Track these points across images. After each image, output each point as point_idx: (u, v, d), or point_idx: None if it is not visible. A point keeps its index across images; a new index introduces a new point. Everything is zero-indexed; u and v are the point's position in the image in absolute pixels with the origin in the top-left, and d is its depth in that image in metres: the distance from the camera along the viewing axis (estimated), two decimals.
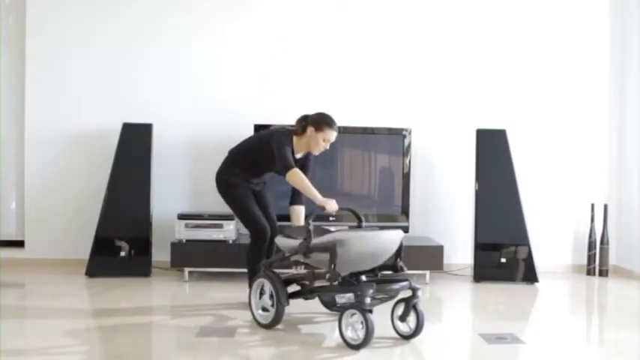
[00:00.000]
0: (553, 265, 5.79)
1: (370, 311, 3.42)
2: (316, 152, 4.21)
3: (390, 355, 3.42)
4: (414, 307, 3.58)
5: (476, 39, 5.80)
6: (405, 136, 5.44)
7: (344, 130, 5.40)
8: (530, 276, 5.29)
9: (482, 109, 5.76)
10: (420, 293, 3.59)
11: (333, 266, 3.48)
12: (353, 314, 3.43)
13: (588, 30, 5.87)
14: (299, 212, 4.30)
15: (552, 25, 5.84)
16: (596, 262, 5.66)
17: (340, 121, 5.46)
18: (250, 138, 4.46)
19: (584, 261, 5.75)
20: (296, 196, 4.29)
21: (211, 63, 5.68)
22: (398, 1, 5.77)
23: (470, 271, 5.50)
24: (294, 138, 4.18)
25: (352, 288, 3.54)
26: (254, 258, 4.25)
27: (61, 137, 5.62)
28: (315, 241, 3.60)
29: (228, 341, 3.55)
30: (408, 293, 3.59)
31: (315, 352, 3.41)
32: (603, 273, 5.64)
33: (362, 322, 3.39)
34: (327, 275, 3.52)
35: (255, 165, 4.27)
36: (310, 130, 4.13)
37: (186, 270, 5.14)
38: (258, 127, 5.28)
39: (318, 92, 5.70)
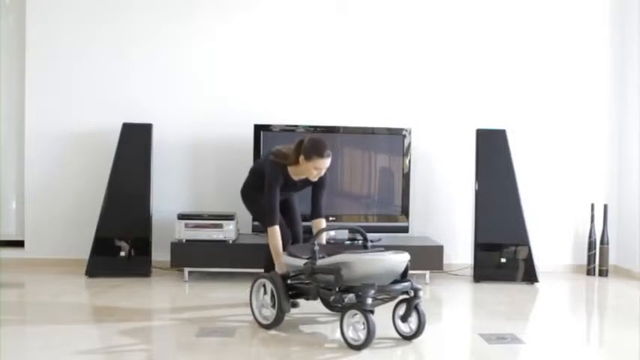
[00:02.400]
0: (553, 265, 5.79)
1: (372, 312, 3.41)
2: (313, 179, 4.13)
3: (390, 355, 3.42)
4: (416, 308, 3.58)
5: (476, 39, 5.80)
6: (405, 136, 5.44)
7: (344, 130, 5.41)
8: (530, 276, 5.29)
9: (483, 109, 5.76)
10: (421, 294, 3.59)
11: (337, 289, 3.49)
12: (354, 315, 3.43)
13: (588, 30, 5.87)
14: (319, 225, 4.23)
15: (552, 25, 5.84)
16: (596, 262, 5.66)
17: (340, 121, 5.52)
18: (250, 172, 4.45)
19: (584, 261, 5.75)
20: (315, 210, 4.24)
21: (211, 63, 5.68)
22: (398, 2, 5.77)
23: (470, 271, 5.50)
24: (291, 168, 4.11)
25: (354, 288, 3.53)
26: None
27: (61, 137, 5.62)
28: (320, 262, 3.59)
29: (228, 341, 3.55)
30: (409, 294, 3.59)
31: (316, 352, 3.41)
32: (603, 273, 5.64)
33: (363, 323, 3.38)
34: (332, 298, 3.51)
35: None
36: (301, 158, 4.02)
37: (186, 270, 5.13)
38: (258, 127, 5.28)
39: (318, 92, 5.70)
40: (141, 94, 5.65)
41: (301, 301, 4.11)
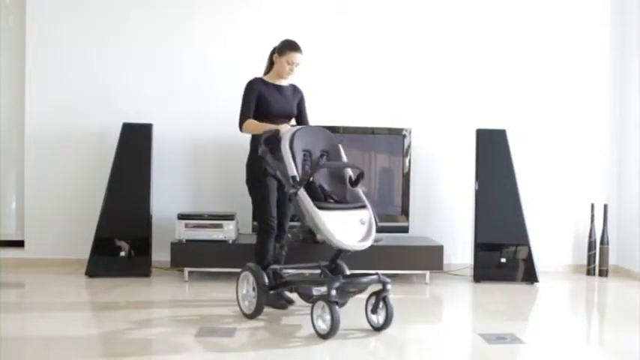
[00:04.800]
0: (553, 265, 5.79)
1: (337, 303, 3.55)
2: (286, 76, 4.35)
3: (389, 354, 3.42)
4: (384, 300, 3.70)
5: (475, 39, 5.80)
6: (405, 136, 5.44)
7: (344, 130, 5.41)
8: (530, 276, 5.29)
9: (483, 109, 5.76)
10: (389, 287, 3.70)
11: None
12: (323, 306, 3.57)
13: (588, 30, 5.87)
14: None
15: (552, 25, 5.84)
16: (596, 262, 5.66)
17: (340, 121, 5.52)
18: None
19: (584, 261, 5.75)
20: (302, 122, 4.45)
21: (211, 63, 5.67)
22: (397, 3, 5.77)
23: (470, 271, 5.49)
24: (267, 75, 4.38)
25: (322, 280, 3.77)
26: (260, 255, 4.21)
27: (61, 137, 5.62)
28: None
29: (228, 341, 3.55)
30: (378, 287, 3.71)
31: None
32: (603, 273, 5.64)
33: (328, 313, 3.53)
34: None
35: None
36: (275, 56, 4.33)
37: (186, 270, 5.13)
38: None
39: (318, 92, 5.67)
40: (141, 94, 5.64)
41: (298, 298, 4.13)
